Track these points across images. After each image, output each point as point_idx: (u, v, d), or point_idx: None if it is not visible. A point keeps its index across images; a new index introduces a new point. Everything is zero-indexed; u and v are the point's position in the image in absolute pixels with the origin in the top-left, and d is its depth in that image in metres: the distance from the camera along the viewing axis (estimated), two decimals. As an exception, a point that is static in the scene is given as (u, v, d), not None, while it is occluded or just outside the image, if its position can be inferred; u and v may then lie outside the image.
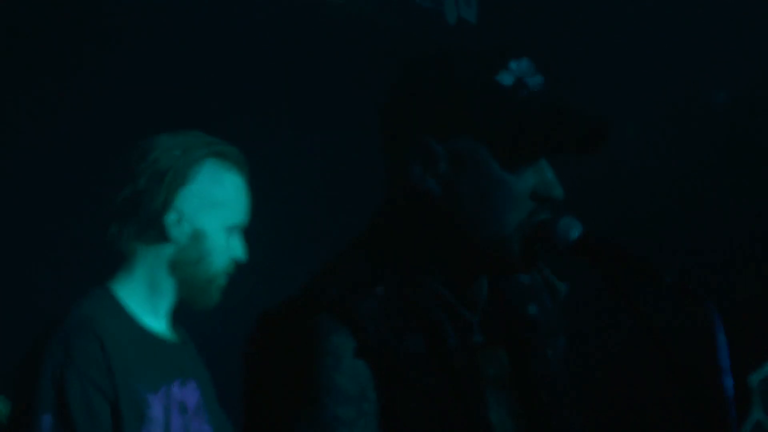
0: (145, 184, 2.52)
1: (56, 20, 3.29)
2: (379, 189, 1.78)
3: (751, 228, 4.11)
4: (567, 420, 1.78)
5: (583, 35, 4.21)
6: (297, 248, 3.66)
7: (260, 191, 2.69)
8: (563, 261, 1.69)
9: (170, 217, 2.53)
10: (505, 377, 1.75)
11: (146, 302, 2.56)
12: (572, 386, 1.82)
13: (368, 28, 3.95)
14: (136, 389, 2.43)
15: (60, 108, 3.28)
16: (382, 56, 3.46)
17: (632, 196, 4.20)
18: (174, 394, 2.52)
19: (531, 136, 1.65)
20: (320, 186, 3.90)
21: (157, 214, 2.52)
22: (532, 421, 1.75)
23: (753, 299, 3.90)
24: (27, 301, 3.11)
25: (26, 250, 3.19)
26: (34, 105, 3.26)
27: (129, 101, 3.35)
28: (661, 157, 4.21)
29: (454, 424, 1.62)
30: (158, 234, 2.54)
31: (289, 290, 1.68)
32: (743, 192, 4.17)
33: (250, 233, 2.67)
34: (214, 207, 2.57)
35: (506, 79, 1.67)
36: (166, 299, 2.58)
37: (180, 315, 2.65)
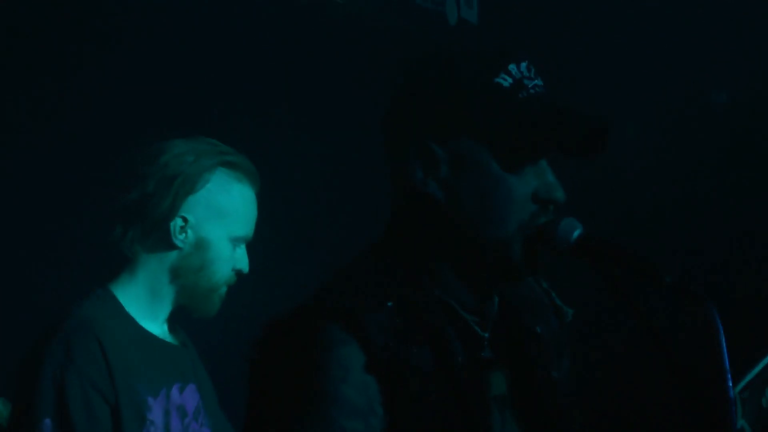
0: (154, 187, 2.49)
1: (56, 20, 3.29)
2: (379, 191, 1.78)
3: (751, 228, 4.11)
4: None
5: (583, 35, 4.22)
6: (297, 252, 3.65)
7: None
8: (563, 261, 1.69)
9: (175, 223, 2.51)
10: (511, 396, 1.74)
11: (146, 306, 2.54)
12: (575, 402, 1.82)
13: (369, 28, 3.95)
14: (137, 391, 2.42)
15: (60, 108, 3.28)
16: (382, 57, 3.45)
17: (632, 196, 4.20)
18: (173, 397, 2.51)
19: (531, 137, 1.65)
20: (320, 188, 3.89)
21: (162, 219, 2.50)
22: None
23: (753, 299, 3.90)
24: (27, 301, 3.10)
25: (27, 250, 3.19)
26: (34, 105, 3.26)
27: (129, 101, 3.34)
28: (661, 158, 4.21)
29: None
30: (162, 239, 2.51)
31: (290, 295, 1.67)
32: (743, 192, 4.17)
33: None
34: (220, 217, 2.54)
35: (505, 80, 1.67)
36: (166, 304, 2.56)
37: (181, 318, 2.64)
